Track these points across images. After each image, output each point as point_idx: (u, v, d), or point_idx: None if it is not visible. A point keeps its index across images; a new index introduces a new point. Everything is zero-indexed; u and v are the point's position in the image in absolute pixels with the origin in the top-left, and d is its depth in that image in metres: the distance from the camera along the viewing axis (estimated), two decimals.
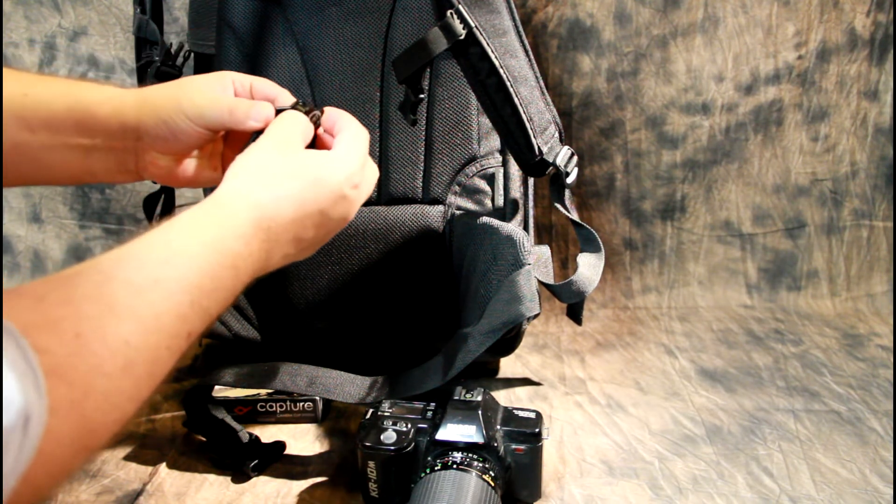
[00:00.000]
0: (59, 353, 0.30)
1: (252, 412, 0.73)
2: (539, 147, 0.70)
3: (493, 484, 0.54)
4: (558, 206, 0.74)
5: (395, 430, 0.58)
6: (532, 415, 0.60)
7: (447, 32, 0.64)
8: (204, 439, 0.70)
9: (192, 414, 0.68)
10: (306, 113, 0.53)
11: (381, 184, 0.79)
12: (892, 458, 0.66)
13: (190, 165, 0.55)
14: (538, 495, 0.61)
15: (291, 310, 0.80)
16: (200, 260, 0.39)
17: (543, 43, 0.97)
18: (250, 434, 0.67)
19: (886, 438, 0.69)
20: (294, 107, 0.53)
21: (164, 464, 0.67)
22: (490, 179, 0.78)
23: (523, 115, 0.68)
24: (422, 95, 0.68)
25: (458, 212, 0.78)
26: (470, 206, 0.78)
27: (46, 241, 1.10)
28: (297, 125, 0.51)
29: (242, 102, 0.52)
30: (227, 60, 0.80)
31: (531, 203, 0.80)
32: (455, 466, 0.54)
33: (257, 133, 0.52)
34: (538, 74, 0.72)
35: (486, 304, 0.66)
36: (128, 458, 0.68)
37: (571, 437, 0.70)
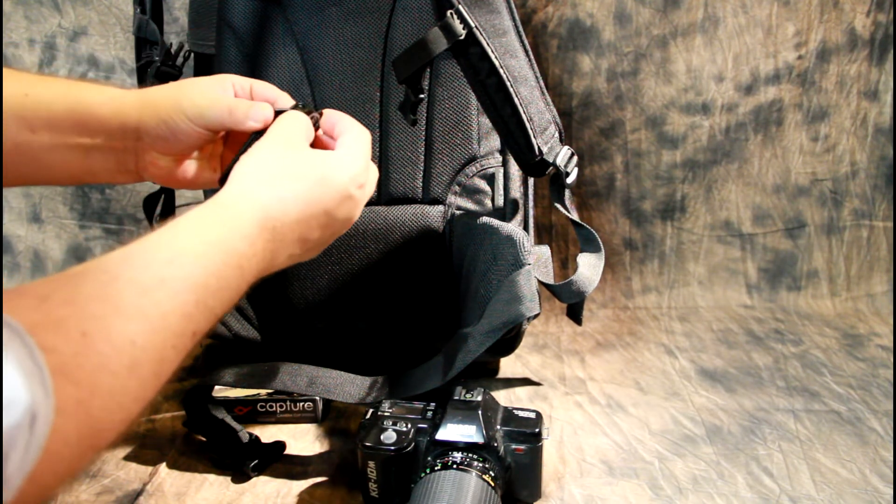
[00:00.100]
0: (65, 352, 0.30)
1: (252, 412, 0.73)
2: (539, 147, 0.70)
3: (493, 484, 0.54)
4: (558, 206, 0.74)
5: (395, 430, 0.58)
6: (532, 415, 0.60)
7: (447, 32, 0.64)
8: (204, 439, 0.70)
9: (192, 414, 0.68)
10: (306, 114, 0.53)
11: (381, 184, 0.79)
12: (892, 458, 0.66)
13: (190, 167, 0.55)
14: (538, 495, 0.61)
15: (291, 310, 0.80)
16: (206, 260, 0.39)
17: (543, 43, 0.97)
18: (250, 434, 0.67)
19: (886, 438, 0.69)
20: (294, 108, 0.54)
21: (164, 464, 0.67)
22: (490, 179, 0.78)
23: (523, 115, 0.68)
24: (422, 95, 0.68)
25: (458, 212, 0.78)
26: (470, 206, 0.78)
27: (46, 241, 1.10)
28: (300, 125, 0.51)
29: (242, 103, 0.52)
30: (227, 60, 0.80)
31: (531, 203, 0.80)
32: (455, 466, 0.55)
33: (256, 134, 0.52)
34: (538, 74, 0.72)
35: (486, 304, 0.66)
36: (128, 458, 0.68)
37: (571, 437, 0.70)
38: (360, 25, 0.78)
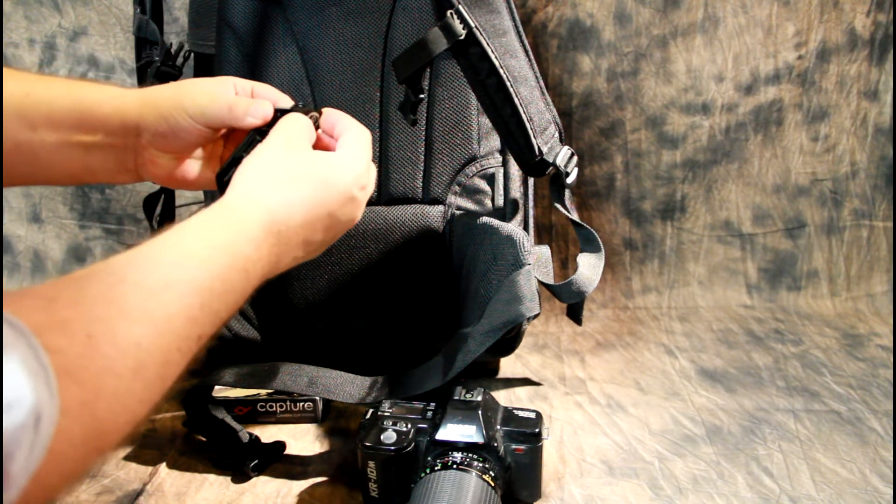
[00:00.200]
0: (71, 353, 0.30)
1: (252, 412, 0.73)
2: (539, 147, 0.70)
3: (493, 484, 0.54)
4: (558, 206, 0.74)
5: (395, 430, 0.58)
6: (532, 415, 0.60)
7: (447, 32, 0.64)
8: (204, 439, 0.70)
9: (192, 414, 0.68)
10: (305, 114, 0.53)
11: (381, 184, 0.79)
12: (892, 458, 0.66)
13: (190, 167, 0.55)
14: (538, 495, 0.61)
15: (291, 310, 0.80)
16: (211, 263, 0.39)
17: (543, 43, 0.97)
18: (250, 434, 0.67)
19: (886, 438, 0.69)
20: (293, 108, 0.54)
21: (164, 464, 0.67)
22: (490, 179, 0.78)
23: (523, 115, 0.68)
24: (422, 95, 0.68)
25: (458, 212, 0.78)
26: (470, 206, 0.78)
27: (46, 241, 1.10)
28: (303, 127, 0.51)
29: (242, 100, 0.52)
30: (227, 60, 0.80)
31: (531, 203, 0.80)
32: (455, 466, 0.55)
33: (255, 131, 0.52)
34: (538, 74, 0.72)
35: (486, 304, 0.66)
36: (128, 458, 0.68)
37: (571, 437, 0.70)
38: (360, 25, 0.78)
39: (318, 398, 0.73)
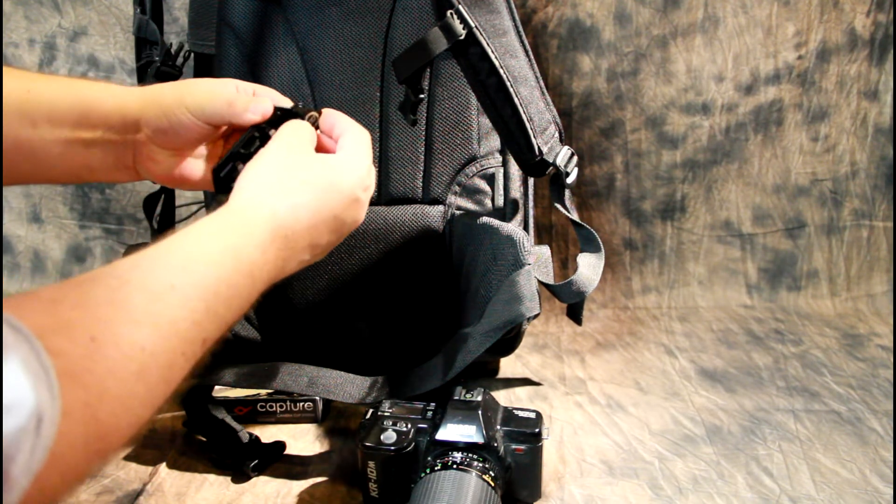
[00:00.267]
0: (74, 355, 0.30)
1: (252, 412, 0.73)
2: (539, 147, 0.70)
3: (493, 484, 0.54)
4: (558, 206, 0.74)
5: (395, 430, 0.58)
6: (532, 415, 0.60)
7: (447, 32, 0.64)
8: (204, 439, 0.70)
9: (192, 414, 0.68)
10: (304, 114, 0.53)
11: (381, 184, 0.79)
12: (892, 458, 0.66)
13: (189, 166, 0.55)
14: (538, 495, 0.61)
15: (291, 310, 0.80)
16: (217, 267, 0.39)
17: (543, 43, 0.97)
18: (250, 434, 0.67)
19: (886, 438, 0.69)
20: (293, 108, 0.54)
21: (164, 464, 0.67)
22: (490, 179, 0.78)
23: (523, 116, 0.68)
24: (422, 95, 0.68)
25: (458, 212, 0.78)
26: (470, 206, 0.78)
27: (46, 241, 1.10)
28: (305, 131, 0.51)
29: (242, 96, 0.53)
30: (227, 60, 0.80)
31: (531, 203, 0.80)
32: (455, 466, 0.55)
33: (254, 129, 0.51)
34: (538, 74, 0.72)
35: (486, 304, 0.66)
36: (128, 458, 0.68)
37: (571, 437, 0.70)
38: (361, 25, 0.78)
39: (318, 398, 0.73)
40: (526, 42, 0.71)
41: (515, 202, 0.79)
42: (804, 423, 0.72)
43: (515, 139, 0.70)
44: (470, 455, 0.56)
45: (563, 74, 0.98)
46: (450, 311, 0.76)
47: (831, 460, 0.66)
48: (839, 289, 1.00)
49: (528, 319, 0.63)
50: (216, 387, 0.70)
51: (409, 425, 0.59)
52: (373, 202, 0.79)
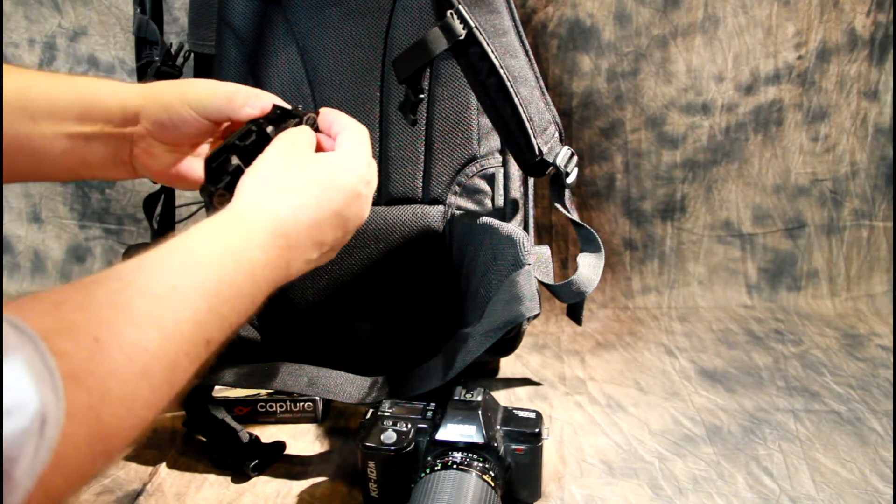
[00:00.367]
0: (77, 357, 0.30)
1: (252, 412, 0.73)
2: (539, 147, 0.70)
3: (493, 484, 0.54)
4: (558, 206, 0.74)
5: (395, 430, 0.58)
6: (532, 415, 0.60)
7: (447, 32, 0.64)
8: (204, 439, 0.70)
9: (192, 414, 0.68)
10: (302, 116, 0.53)
11: (382, 184, 0.79)
12: (892, 458, 0.66)
13: (187, 165, 0.55)
14: (538, 495, 0.61)
15: (291, 310, 0.80)
16: (218, 268, 0.39)
17: (543, 43, 0.97)
18: (250, 434, 0.67)
19: (886, 438, 0.69)
20: (293, 110, 0.53)
21: (164, 464, 0.67)
22: (490, 179, 0.78)
23: (523, 116, 0.68)
24: (422, 95, 0.68)
25: (458, 212, 0.78)
26: (470, 206, 0.78)
27: (46, 241, 1.10)
28: (304, 134, 0.51)
29: (242, 92, 0.53)
30: (227, 60, 0.80)
31: (531, 203, 0.80)
32: (455, 466, 0.54)
33: (252, 123, 0.51)
34: (538, 74, 0.72)
35: (486, 304, 0.66)
36: (128, 458, 0.68)
37: (571, 437, 0.70)
38: (361, 25, 0.78)
39: (318, 398, 0.73)
40: (526, 42, 0.71)
41: (515, 202, 0.79)
42: (804, 423, 0.72)
43: (515, 139, 0.70)
44: (470, 455, 0.56)
45: (563, 74, 0.98)
46: (450, 311, 0.76)
47: (831, 460, 0.66)
48: (839, 289, 1.00)
49: (528, 319, 0.63)
50: (216, 387, 0.70)
51: (409, 425, 0.59)
52: (373, 202, 0.79)
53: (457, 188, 0.78)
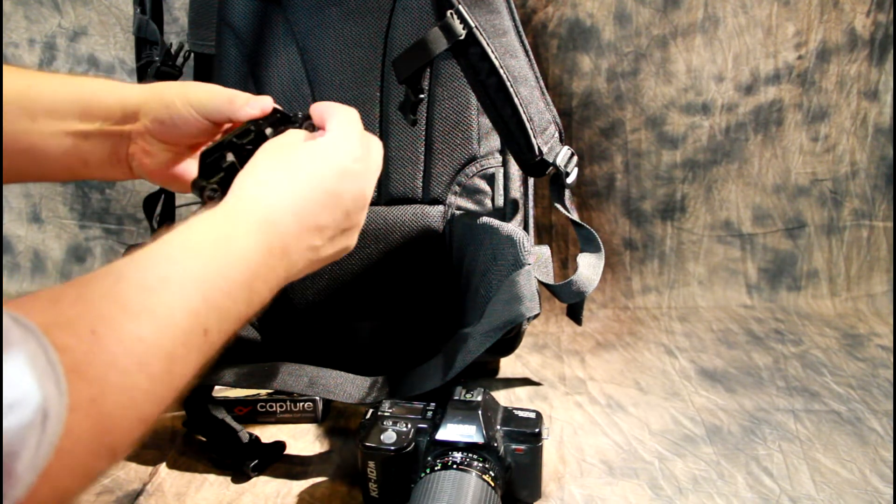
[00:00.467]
0: (77, 350, 0.31)
1: (252, 412, 0.73)
2: (539, 147, 0.70)
3: (493, 484, 0.54)
4: (558, 206, 0.74)
5: (395, 430, 0.58)
6: (532, 415, 0.60)
7: (447, 32, 0.64)
8: (204, 439, 0.70)
9: (192, 414, 0.68)
10: (302, 120, 0.52)
11: (381, 184, 0.79)
12: (892, 458, 0.66)
13: (185, 166, 0.55)
14: (538, 495, 0.61)
15: (291, 310, 0.80)
16: (208, 258, 0.39)
17: (543, 43, 0.97)
18: (250, 434, 0.67)
19: (886, 438, 0.69)
20: (292, 116, 0.53)
21: (164, 464, 0.67)
22: (490, 179, 0.78)
23: (523, 116, 0.68)
24: (422, 95, 0.68)
25: (458, 212, 0.78)
26: (470, 206, 0.78)
27: (46, 241, 1.10)
28: (297, 134, 0.51)
29: (243, 93, 0.53)
30: (227, 60, 0.80)
31: (531, 203, 0.80)
32: (455, 466, 0.54)
33: (251, 123, 0.51)
34: (538, 74, 0.72)
35: (486, 304, 0.66)
36: (128, 458, 0.68)
37: (571, 437, 0.70)
38: (361, 25, 0.78)
39: (318, 398, 0.73)
40: (526, 42, 0.71)
41: (515, 202, 0.79)
42: (804, 423, 0.72)
43: (515, 139, 0.70)
44: (470, 455, 0.56)
45: (563, 74, 0.98)
46: (450, 311, 0.76)
47: (831, 460, 0.66)
48: (839, 289, 1.00)
49: (528, 319, 0.63)
50: (216, 387, 0.70)
51: (409, 425, 0.59)
52: (373, 202, 0.79)
53: (457, 188, 0.78)
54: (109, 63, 1.03)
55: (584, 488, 0.63)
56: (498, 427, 0.58)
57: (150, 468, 0.66)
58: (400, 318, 0.79)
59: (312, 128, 0.53)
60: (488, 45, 0.65)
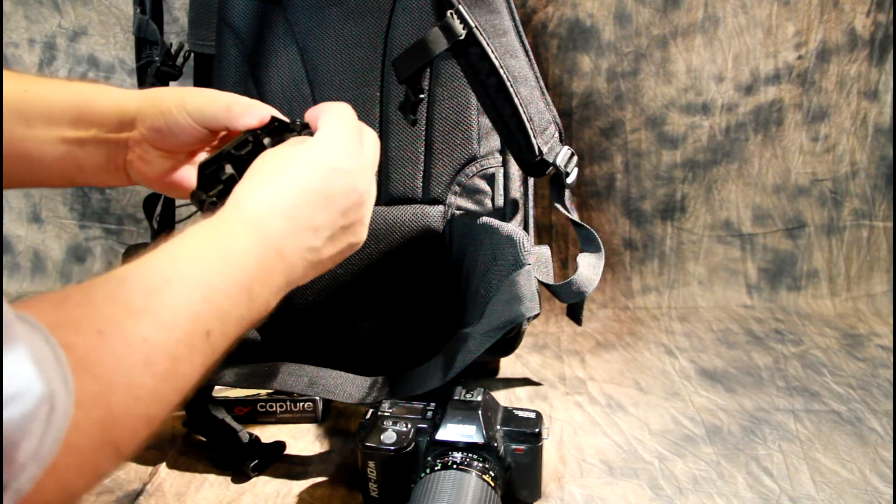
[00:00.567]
0: (83, 348, 0.31)
1: (252, 412, 0.73)
2: (539, 147, 0.70)
3: (493, 484, 0.54)
4: (558, 206, 0.74)
5: (395, 430, 0.58)
6: (532, 415, 0.60)
7: (447, 32, 0.64)
8: (204, 439, 0.70)
9: (192, 414, 0.68)
10: (299, 129, 0.52)
11: (381, 184, 0.79)
12: (892, 458, 0.66)
13: (183, 173, 0.55)
14: (538, 495, 0.61)
15: (291, 310, 0.80)
16: (206, 260, 0.40)
17: (543, 43, 0.97)
18: (250, 434, 0.67)
19: (886, 438, 0.69)
20: (291, 123, 0.53)
21: (164, 464, 0.67)
22: (490, 179, 0.78)
23: (523, 116, 0.68)
24: (422, 95, 0.68)
25: (458, 212, 0.78)
26: (470, 206, 0.78)
27: (46, 241, 1.10)
28: (295, 141, 0.51)
29: (242, 102, 0.52)
30: (227, 60, 0.80)
31: (531, 203, 0.80)
32: (455, 466, 0.55)
33: (248, 133, 0.51)
34: (538, 74, 0.72)
35: (486, 304, 0.66)
36: None
37: (571, 437, 0.70)
38: (361, 25, 0.78)
39: (318, 398, 0.73)
40: (526, 42, 0.71)
41: (515, 202, 0.79)
42: (804, 423, 0.72)
43: (515, 139, 0.70)
44: (470, 455, 0.56)
45: (563, 74, 0.98)
46: (450, 311, 0.76)
47: (831, 460, 0.66)
48: (839, 289, 1.00)
49: (528, 319, 0.63)
50: (216, 387, 0.70)
51: (409, 425, 0.59)
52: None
53: (457, 188, 0.78)
54: (109, 63, 1.03)
55: (584, 488, 0.63)
56: (498, 427, 0.58)
57: (150, 468, 0.67)
58: (400, 318, 0.79)
59: (311, 135, 0.53)
60: (488, 45, 0.65)
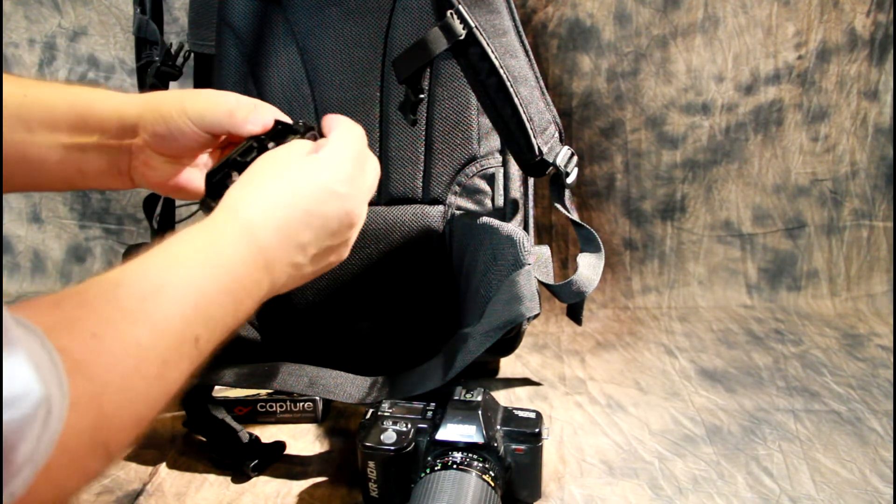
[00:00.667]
0: (78, 350, 0.32)
1: (252, 412, 0.73)
2: (539, 147, 0.70)
3: (493, 484, 0.54)
4: (558, 206, 0.74)
5: (395, 430, 0.58)
6: (532, 415, 0.60)
7: (447, 32, 0.64)
8: (204, 439, 0.70)
9: (192, 414, 0.68)
10: (303, 131, 0.52)
11: (381, 184, 0.79)
12: (892, 458, 0.66)
13: (187, 176, 0.55)
14: (538, 495, 0.61)
15: (291, 310, 0.80)
16: (199, 267, 0.40)
17: (543, 43, 0.97)
18: (250, 434, 0.67)
19: (886, 438, 0.69)
20: (294, 125, 0.53)
21: (164, 464, 0.67)
22: (490, 179, 0.78)
23: (523, 116, 0.68)
24: (422, 95, 0.68)
25: (458, 212, 0.78)
26: (470, 206, 0.78)
27: (46, 241, 1.10)
28: (296, 145, 0.50)
29: (244, 107, 0.52)
30: (227, 60, 0.80)
31: (531, 203, 0.80)
32: (455, 466, 0.55)
33: (252, 139, 0.51)
34: (538, 74, 0.72)
35: (486, 304, 0.66)
36: (128, 458, 0.68)
37: (571, 437, 0.70)
38: (361, 25, 0.78)
39: (318, 398, 0.73)
40: (526, 42, 0.71)
41: (515, 202, 0.79)
42: (804, 423, 0.72)
43: (515, 139, 0.70)
44: (470, 455, 0.56)
45: (563, 74, 0.98)
46: (450, 311, 0.76)
47: (831, 460, 0.66)
48: (839, 289, 1.00)
49: (528, 319, 0.63)
50: (216, 387, 0.70)
51: (409, 425, 0.59)
52: (373, 202, 0.79)
53: (457, 188, 0.78)
54: (109, 63, 1.03)
55: (584, 488, 0.63)
56: (498, 427, 0.58)
57: (150, 468, 0.66)
58: (400, 318, 0.79)
59: (315, 137, 0.53)
60: (488, 45, 0.65)
